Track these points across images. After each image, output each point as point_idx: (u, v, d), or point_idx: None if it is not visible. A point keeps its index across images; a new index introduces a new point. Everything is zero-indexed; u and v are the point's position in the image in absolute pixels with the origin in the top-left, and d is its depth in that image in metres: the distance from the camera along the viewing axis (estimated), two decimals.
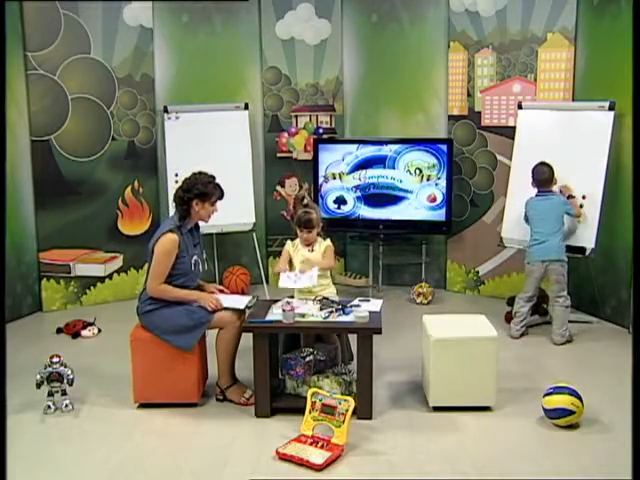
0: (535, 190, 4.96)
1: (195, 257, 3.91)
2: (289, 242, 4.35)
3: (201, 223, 4.05)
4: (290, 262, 4.29)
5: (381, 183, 5.99)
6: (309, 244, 4.25)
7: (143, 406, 3.89)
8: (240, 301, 3.95)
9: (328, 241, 4.30)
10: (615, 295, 5.22)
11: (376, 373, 3.82)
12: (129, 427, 3.69)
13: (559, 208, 4.87)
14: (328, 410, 3.42)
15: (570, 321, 5.17)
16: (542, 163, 4.93)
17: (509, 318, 5.25)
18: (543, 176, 4.90)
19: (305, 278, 4.05)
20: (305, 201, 4.32)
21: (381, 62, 6.18)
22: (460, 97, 5.96)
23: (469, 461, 3.30)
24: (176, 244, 3.76)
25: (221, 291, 4.08)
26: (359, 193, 6.06)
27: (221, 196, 3.92)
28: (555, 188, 4.98)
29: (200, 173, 3.92)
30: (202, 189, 3.84)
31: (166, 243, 3.76)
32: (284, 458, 3.29)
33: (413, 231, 6.09)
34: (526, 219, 5.02)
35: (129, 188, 5.99)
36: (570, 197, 4.97)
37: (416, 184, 5.91)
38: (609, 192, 4.95)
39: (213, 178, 3.92)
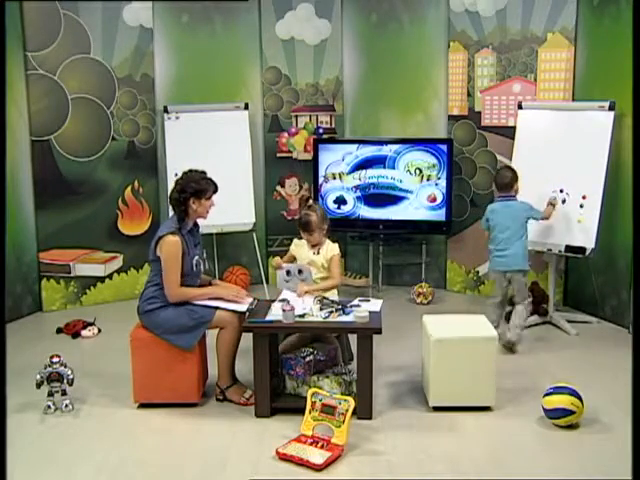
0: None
1: (196, 257, 3.92)
2: (295, 241, 4.34)
3: (201, 222, 4.05)
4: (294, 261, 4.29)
5: (381, 183, 5.99)
6: (314, 245, 4.23)
7: (143, 406, 3.89)
8: (241, 303, 3.94)
9: (336, 248, 4.24)
10: (615, 295, 5.22)
11: (376, 373, 3.82)
12: (129, 427, 3.70)
13: (520, 214, 4.76)
14: (328, 410, 3.41)
15: (570, 321, 5.20)
16: (506, 167, 4.87)
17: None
18: (504, 180, 4.81)
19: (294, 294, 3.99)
20: (309, 202, 4.31)
21: (381, 62, 6.18)
22: (460, 97, 5.96)
23: (469, 461, 3.31)
24: (179, 246, 3.77)
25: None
26: (359, 193, 6.06)
27: (215, 190, 3.93)
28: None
29: (190, 171, 3.93)
30: (196, 186, 3.84)
31: (170, 247, 3.76)
32: (284, 458, 3.29)
33: (413, 231, 6.09)
34: (487, 228, 4.88)
35: (129, 188, 5.99)
36: (550, 204, 4.90)
37: (416, 184, 5.91)
38: (609, 192, 4.94)
39: (204, 173, 3.92)
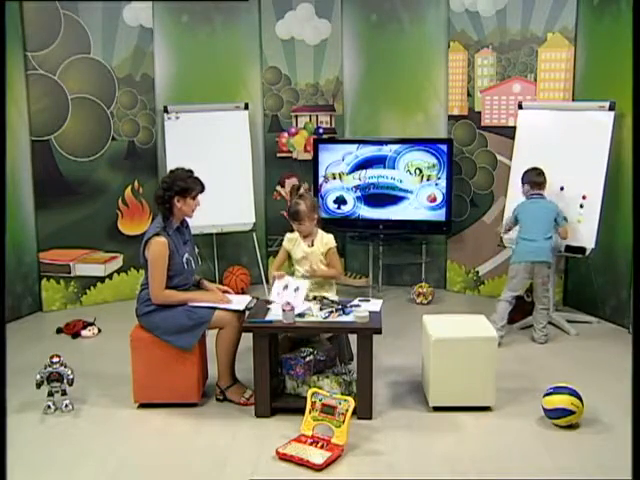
0: (523, 196, 4.97)
1: (186, 255, 3.90)
2: (288, 236, 4.28)
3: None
4: (289, 257, 4.26)
5: (381, 183, 5.99)
6: (306, 236, 4.21)
7: (143, 406, 3.89)
8: (240, 302, 3.95)
9: (331, 239, 4.21)
10: (615, 295, 5.22)
11: (376, 373, 3.82)
12: (129, 427, 3.70)
13: (550, 212, 4.86)
14: (328, 410, 3.41)
15: (570, 321, 5.21)
16: (536, 167, 4.93)
17: (509, 318, 5.25)
18: (536, 180, 4.90)
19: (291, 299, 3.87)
20: (301, 191, 4.27)
21: (381, 62, 6.18)
22: (460, 97, 5.96)
23: (469, 461, 3.31)
24: (165, 246, 3.75)
25: (224, 292, 4.08)
26: (359, 193, 6.06)
27: (202, 189, 3.90)
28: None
29: (177, 169, 3.91)
30: (182, 185, 3.82)
31: (156, 248, 3.75)
32: (284, 458, 3.30)
33: (413, 231, 6.09)
34: (514, 222, 4.98)
35: (129, 188, 5.99)
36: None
37: (416, 184, 5.91)
38: (609, 192, 4.95)
39: (191, 172, 3.90)
